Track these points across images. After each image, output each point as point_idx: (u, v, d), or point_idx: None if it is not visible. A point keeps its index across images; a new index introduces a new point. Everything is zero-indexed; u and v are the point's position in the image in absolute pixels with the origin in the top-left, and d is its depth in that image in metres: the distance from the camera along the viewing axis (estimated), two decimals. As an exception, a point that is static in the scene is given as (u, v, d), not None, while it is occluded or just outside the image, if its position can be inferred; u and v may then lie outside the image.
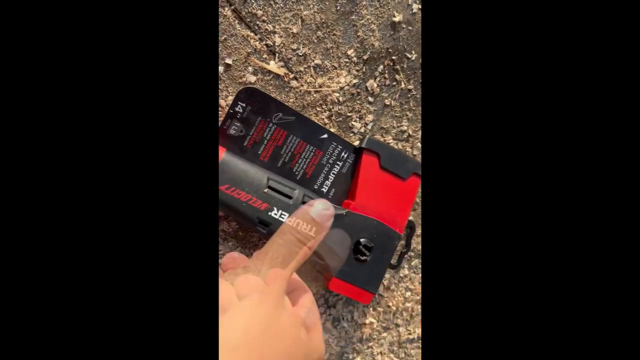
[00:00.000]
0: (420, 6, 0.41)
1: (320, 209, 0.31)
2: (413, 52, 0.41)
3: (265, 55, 0.38)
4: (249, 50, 0.38)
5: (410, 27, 0.41)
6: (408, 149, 0.43)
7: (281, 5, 0.38)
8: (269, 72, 0.38)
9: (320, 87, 0.40)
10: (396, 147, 0.43)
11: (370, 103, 0.41)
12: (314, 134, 0.38)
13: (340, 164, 0.39)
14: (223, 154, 0.35)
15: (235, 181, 0.35)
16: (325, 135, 0.38)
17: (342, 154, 0.39)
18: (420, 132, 0.43)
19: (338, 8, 0.39)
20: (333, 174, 0.39)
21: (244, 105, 0.35)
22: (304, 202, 0.36)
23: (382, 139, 0.42)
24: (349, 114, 0.41)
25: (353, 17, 0.39)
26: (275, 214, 0.35)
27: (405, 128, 0.43)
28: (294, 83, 0.39)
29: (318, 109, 0.40)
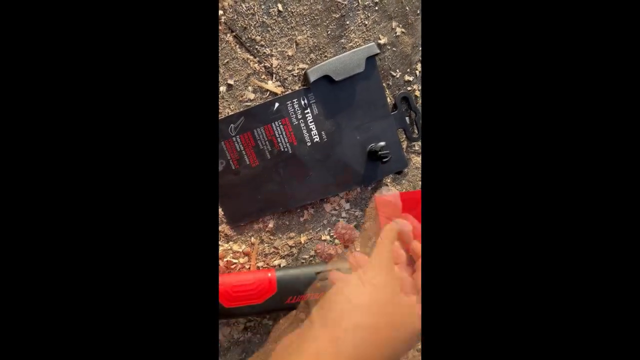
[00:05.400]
0: (403, 30, 0.45)
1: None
2: (397, 70, 0.46)
3: (263, 76, 0.42)
4: (249, 72, 0.42)
5: (394, 48, 0.45)
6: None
7: (277, 31, 0.42)
8: (267, 90, 0.43)
9: (313, 103, 0.44)
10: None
11: (358, 117, 0.46)
12: (267, 113, 0.40)
13: (308, 110, 0.40)
14: (271, 274, 0.39)
15: (294, 290, 0.39)
16: (277, 104, 0.39)
17: (302, 101, 0.40)
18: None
19: (329, 33, 0.43)
20: (310, 122, 0.41)
21: None
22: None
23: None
24: (340, 127, 0.45)
25: (342, 40, 0.43)
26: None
27: (390, 139, 0.47)
28: (289, 100, 0.43)
29: (311, 123, 0.45)
